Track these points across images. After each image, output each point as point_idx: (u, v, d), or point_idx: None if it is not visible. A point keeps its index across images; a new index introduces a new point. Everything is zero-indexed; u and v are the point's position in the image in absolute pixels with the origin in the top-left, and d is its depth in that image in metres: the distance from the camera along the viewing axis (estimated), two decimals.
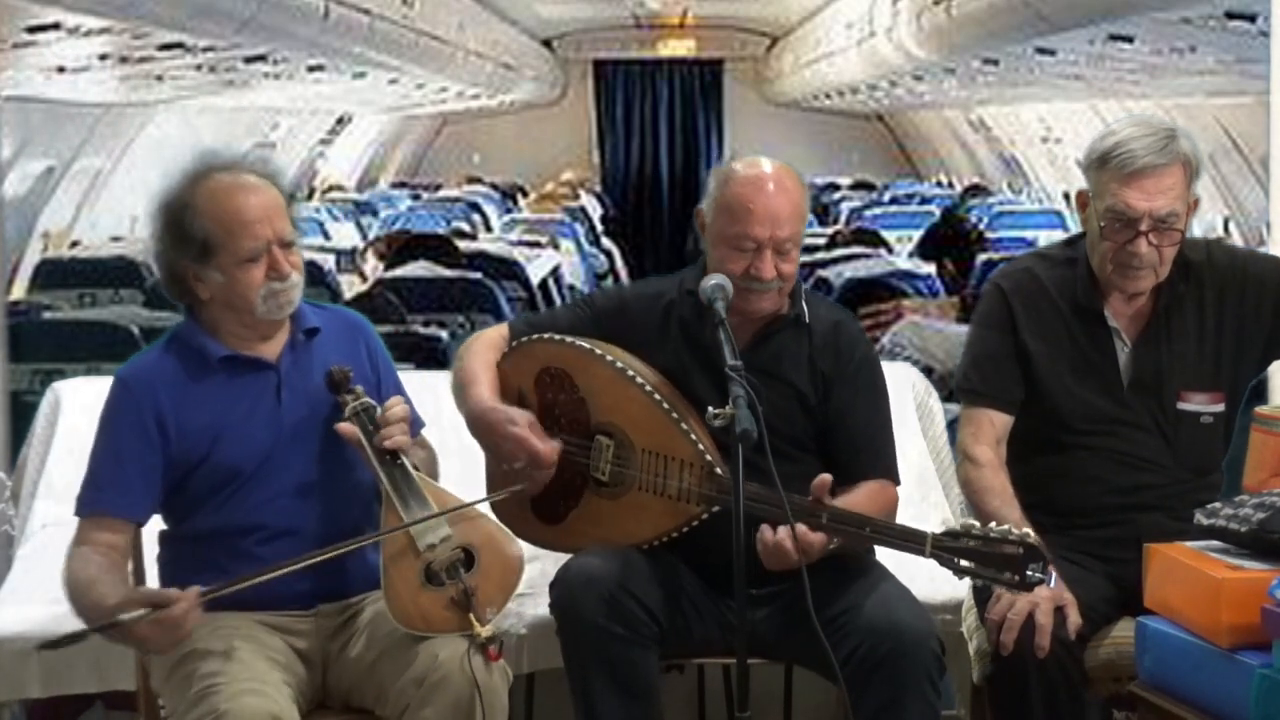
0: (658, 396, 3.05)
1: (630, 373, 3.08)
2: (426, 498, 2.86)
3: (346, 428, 2.88)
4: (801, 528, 2.83)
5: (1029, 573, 2.76)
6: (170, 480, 2.88)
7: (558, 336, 3.17)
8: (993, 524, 2.82)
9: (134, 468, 2.85)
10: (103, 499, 2.85)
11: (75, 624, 2.69)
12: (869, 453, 3.14)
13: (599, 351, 3.12)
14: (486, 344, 3.21)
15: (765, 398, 2.94)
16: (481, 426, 3.07)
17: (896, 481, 3.16)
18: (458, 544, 2.83)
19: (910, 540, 2.85)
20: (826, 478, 2.88)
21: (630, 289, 3.32)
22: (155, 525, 2.97)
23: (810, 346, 3.14)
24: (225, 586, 2.72)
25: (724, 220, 3.06)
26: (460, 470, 3.18)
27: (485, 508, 3.01)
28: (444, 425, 3.20)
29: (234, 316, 2.90)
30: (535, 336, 3.19)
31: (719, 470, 2.98)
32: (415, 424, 3.03)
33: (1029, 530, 2.80)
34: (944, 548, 2.81)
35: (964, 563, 2.79)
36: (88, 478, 2.89)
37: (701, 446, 3.00)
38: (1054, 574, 2.79)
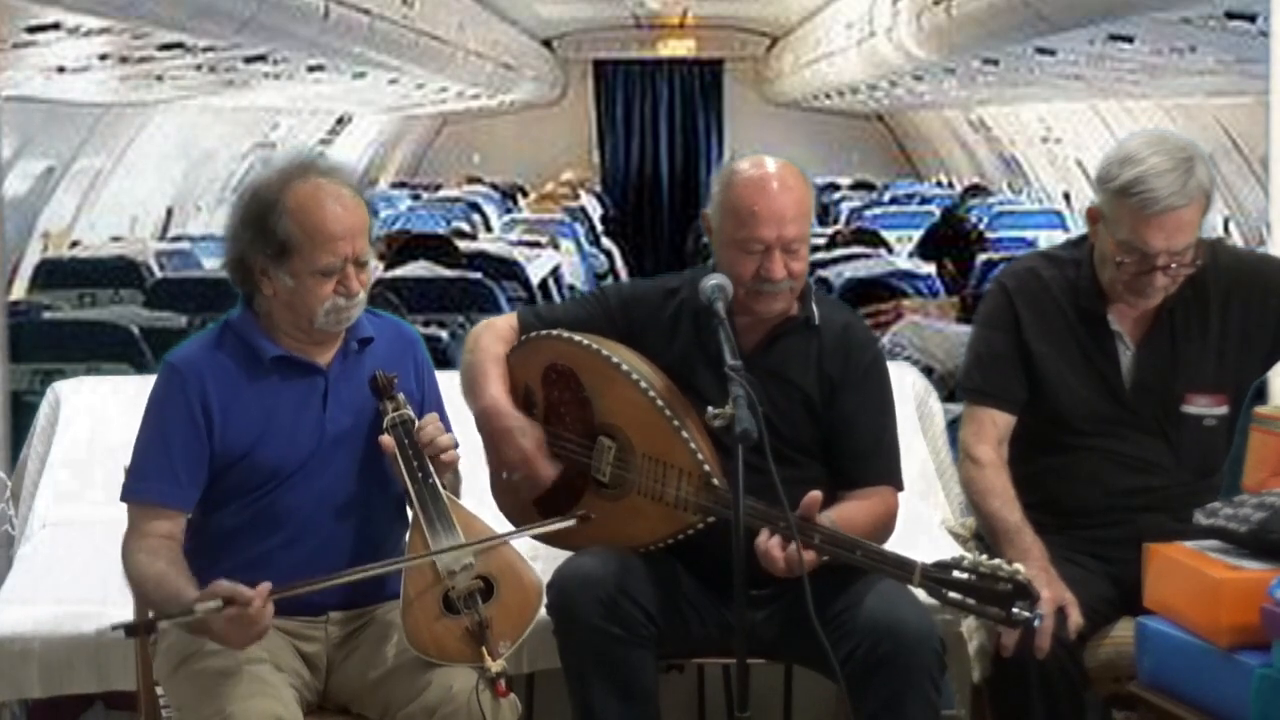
0: (660, 403, 3.04)
1: (634, 376, 3.07)
2: (454, 521, 2.84)
3: (386, 441, 2.88)
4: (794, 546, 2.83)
5: (1015, 610, 2.74)
6: (209, 472, 2.87)
7: (566, 334, 3.16)
8: (984, 558, 2.81)
9: (181, 456, 2.83)
10: (151, 488, 2.84)
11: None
12: (873, 459, 3.12)
13: (605, 352, 3.11)
14: (496, 336, 3.20)
15: (771, 401, 2.94)
16: (492, 429, 3.07)
17: (900, 487, 3.15)
18: (479, 573, 2.81)
19: (899, 569, 2.83)
20: (816, 496, 2.86)
21: (642, 284, 3.29)
22: None
23: (819, 349, 3.12)
24: (295, 587, 2.72)
25: (730, 224, 3.04)
26: (462, 470, 3.18)
27: (507, 528, 3.01)
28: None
29: (291, 319, 2.89)
30: (544, 333, 3.18)
31: (716, 481, 2.97)
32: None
33: (1020, 566, 2.78)
34: (932, 579, 2.80)
35: (952, 595, 2.78)
36: (135, 464, 2.87)
37: (700, 456, 2.99)
38: (1042, 613, 2.78)
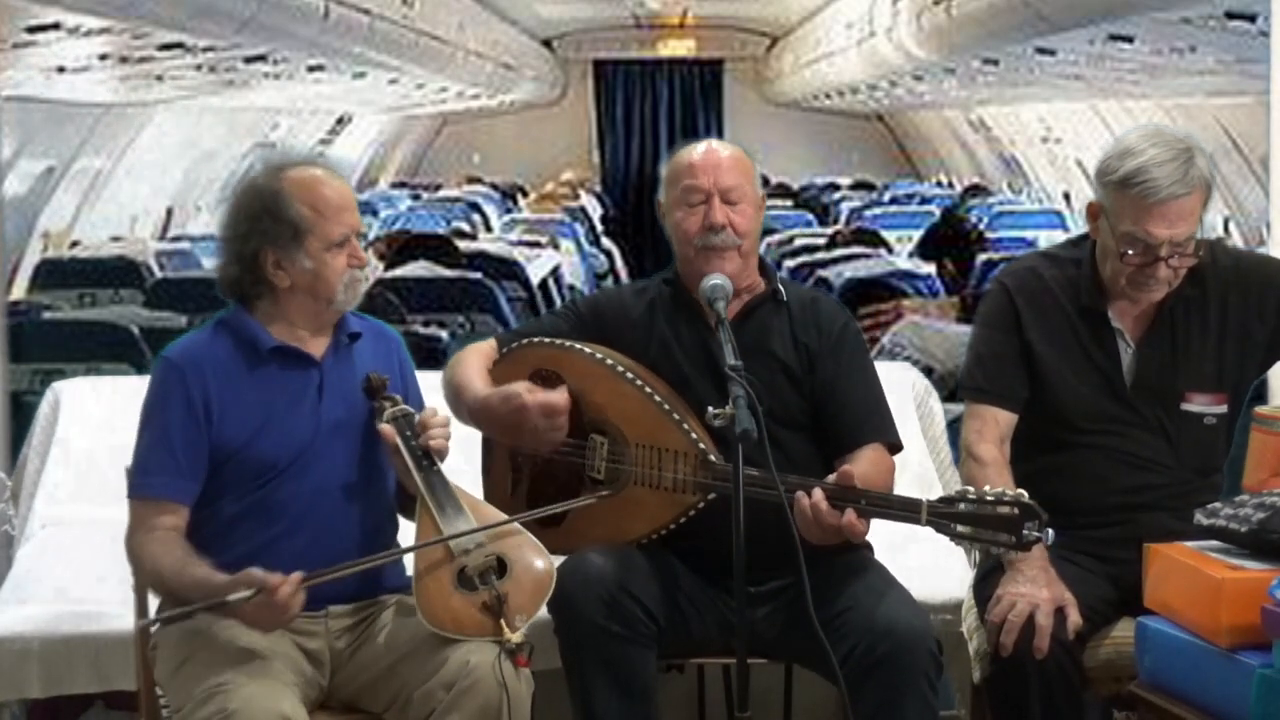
0: (648, 390, 3.07)
1: (620, 369, 3.10)
2: (462, 504, 2.90)
3: (387, 430, 2.92)
4: (850, 515, 2.83)
5: (1025, 532, 2.75)
6: (208, 464, 2.89)
7: (546, 340, 3.18)
8: (987, 486, 2.82)
9: (184, 450, 2.87)
10: (156, 483, 2.88)
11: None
12: (863, 420, 3.15)
13: (588, 350, 3.14)
14: (476, 354, 3.23)
15: (753, 374, 2.95)
16: (486, 416, 3.08)
17: (897, 444, 3.16)
18: (491, 552, 2.85)
19: (906, 509, 2.84)
20: (850, 469, 2.88)
21: (612, 291, 3.43)
22: None
23: (790, 321, 3.18)
24: (326, 573, 2.77)
25: (671, 188, 3.16)
26: (461, 467, 3.18)
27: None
28: None
29: (311, 306, 2.95)
30: (525, 341, 3.21)
31: (713, 458, 2.99)
32: None
33: (1023, 491, 2.80)
34: (940, 514, 2.81)
35: (960, 528, 2.79)
36: (139, 460, 2.90)
37: (694, 435, 3.01)
38: (1051, 533, 2.78)
